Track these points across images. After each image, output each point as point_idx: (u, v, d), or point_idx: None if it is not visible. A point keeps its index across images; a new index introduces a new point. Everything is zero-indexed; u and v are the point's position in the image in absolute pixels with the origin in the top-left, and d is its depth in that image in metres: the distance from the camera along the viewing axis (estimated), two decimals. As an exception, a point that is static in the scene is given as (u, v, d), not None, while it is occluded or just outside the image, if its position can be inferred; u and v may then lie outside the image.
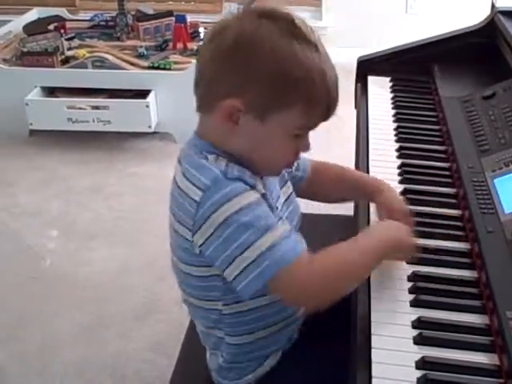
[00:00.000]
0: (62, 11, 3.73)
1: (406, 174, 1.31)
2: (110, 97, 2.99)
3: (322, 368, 1.06)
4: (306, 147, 0.98)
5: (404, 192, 1.25)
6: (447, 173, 1.32)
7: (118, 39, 3.36)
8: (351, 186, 1.21)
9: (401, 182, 1.29)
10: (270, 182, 1.03)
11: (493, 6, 1.76)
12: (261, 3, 0.93)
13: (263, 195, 0.94)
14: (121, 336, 1.94)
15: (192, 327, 1.28)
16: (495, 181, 1.19)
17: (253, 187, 0.91)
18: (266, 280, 0.87)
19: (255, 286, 0.88)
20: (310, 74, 0.89)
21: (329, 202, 1.34)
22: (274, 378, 1.07)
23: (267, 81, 0.88)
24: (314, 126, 0.95)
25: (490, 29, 1.72)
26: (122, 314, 2.03)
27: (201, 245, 0.91)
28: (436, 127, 1.49)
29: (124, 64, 3.09)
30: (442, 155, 1.37)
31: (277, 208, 1.02)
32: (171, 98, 2.99)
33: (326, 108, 0.93)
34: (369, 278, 0.99)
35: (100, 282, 2.18)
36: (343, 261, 0.93)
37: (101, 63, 3.09)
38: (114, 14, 3.43)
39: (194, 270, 0.98)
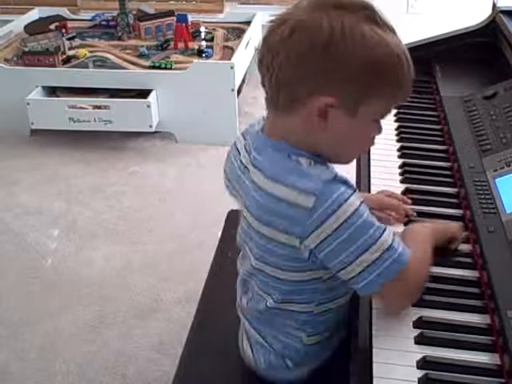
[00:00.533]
0: (63, 11, 3.74)
1: (408, 173, 1.31)
2: (111, 96, 3.00)
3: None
4: (380, 130, 0.97)
5: (405, 192, 1.25)
6: (448, 172, 1.32)
7: (120, 39, 3.36)
8: None
9: (402, 181, 1.30)
10: None
11: (494, 5, 1.76)
12: None
13: None
14: (122, 335, 1.95)
15: (196, 327, 1.28)
16: (497, 181, 1.19)
17: (355, 190, 0.92)
18: (388, 279, 0.88)
19: (377, 284, 0.89)
20: (398, 59, 0.89)
21: None
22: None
23: (360, 72, 0.87)
24: (394, 107, 0.98)
25: (491, 28, 1.71)
26: (124, 314, 2.03)
27: (313, 248, 0.89)
28: (437, 127, 1.49)
29: (125, 64, 3.09)
30: (444, 155, 1.37)
31: None
32: (172, 98, 2.99)
33: (408, 88, 0.94)
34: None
35: (101, 281, 2.19)
36: (426, 260, 0.98)
37: (102, 63, 3.10)
38: (115, 13, 3.44)
39: (292, 275, 0.97)
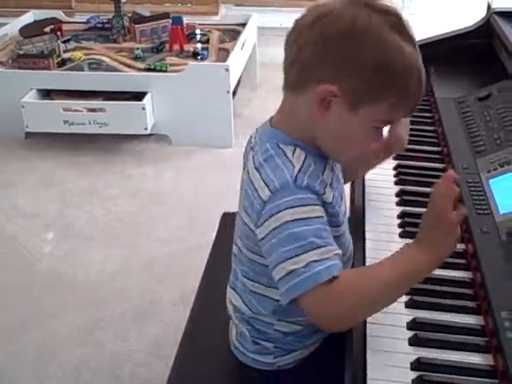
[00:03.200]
0: (58, 13, 3.73)
1: (402, 175, 1.32)
2: (107, 99, 2.99)
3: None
4: (380, 141, 0.99)
5: (400, 193, 1.25)
6: (443, 174, 1.32)
7: (115, 41, 3.36)
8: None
9: (396, 183, 1.30)
10: (337, 176, 1.04)
11: (489, 6, 1.76)
12: None
13: (329, 204, 0.95)
14: (118, 338, 1.94)
15: (189, 329, 1.28)
16: (490, 181, 1.19)
17: (320, 195, 0.92)
18: (300, 292, 0.87)
19: (291, 294, 0.88)
20: (410, 70, 0.90)
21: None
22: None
23: (371, 70, 0.88)
24: (396, 120, 0.98)
25: (485, 30, 1.72)
26: (120, 316, 2.03)
27: (260, 239, 0.93)
28: (431, 128, 1.49)
29: (120, 66, 3.09)
30: (438, 156, 1.38)
31: (338, 214, 1.00)
32: (167, 100, 2.99)
33: (413, 104, 0.95)
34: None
35: (97, 284, 2.18)
36: (363, 289, 0.89)
37: (97, 65, 3.10)
38: (110, 16, 3.43)
39: (257, 258, 1.01)
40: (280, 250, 0.88)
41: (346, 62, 0.88)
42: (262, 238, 0.92)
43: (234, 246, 1.11)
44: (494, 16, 1.70)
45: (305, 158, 0.94)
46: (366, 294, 0.88)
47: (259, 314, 1.08)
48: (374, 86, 0.89)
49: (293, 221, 0.88)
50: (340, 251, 0.90)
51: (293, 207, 0.89)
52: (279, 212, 0.89)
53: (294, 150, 0.94)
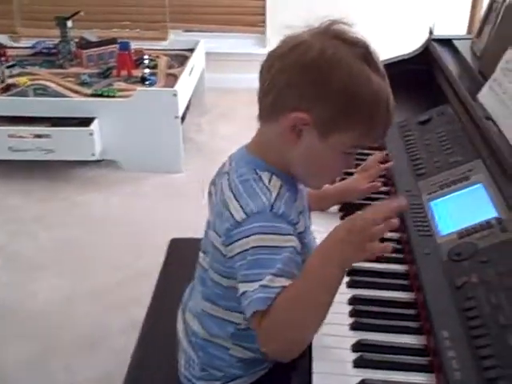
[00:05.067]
0: (3, 38, 3.68)
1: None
2: (53, 125, 2.94)
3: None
4: (352, 165, 1.03)
5: (343, 216, 1.27)
6: (386, 197, 1.35)
7: (61, 66, 3.33)
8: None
9: (341, 208, 1.32)
10: (305, 204, 1.07)
11: (431, 32, 1.82)
12: (336, 26, 0.96)
13: (301, 233, 0.98)
14: (67, 368, 1.90)
15: (136, 358, 1.26)
16: (431, 203, 1.22)
17: (294, 224, 0.95)
18: (249, 314, 0.90)
19: (246, 314, 0.91)
20: (378, 100, 0.94)
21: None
22: None
23: (339, 99, 0.91)
24: (365, 147, 1.02)
25: (425, 56, 1.78)
26: (68, 346, 1.99)
27: (228, 258, 0.95)
28: (375, 152, 1.52)
29: (67, 92, 3.06)
30: (381, 179, 1.40)
31: (308, 242, 1.04)
32: (116, 126, 2.97)
33: (382, 132, 0.99)
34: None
35: (45, 313, 2.13)
36: (296, 311, 0.89)
37: (43, 91, 3.06)
38: (56, 41, 3.40)
39: (223, 280, 1.02)
40: (242, 272, 0.91)
41: (315, 91, 0.92)
42: (230, 257, 0.94)
43: (199, 267, 1.11)
44: (432, 43, 1.76)
45: (281, 186, 0.96)
46: (292, 320, 0.88)
47: (217, 337, 1.08)
48: (343, 114, 0.92)
49: (263, 247, 0.90)
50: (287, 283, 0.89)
51: (265, 233, 0.91)
52: (251, 235, 0.91)
53: (271, 177, 0.97)
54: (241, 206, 0.93)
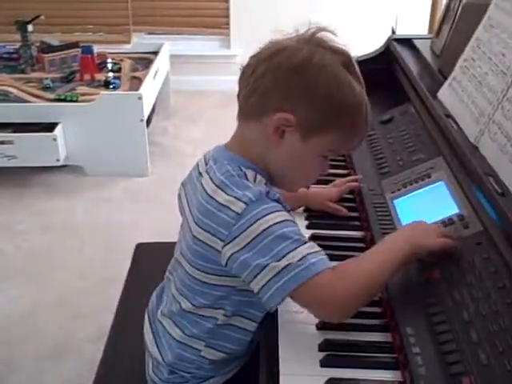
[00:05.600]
0: (-38, 44, 3.61)
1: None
2: (16, 131, 2.90)
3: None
4: (326, 169, 1.05)
5: (308, 217, 1.28)
6: (350, 196, 1.36)
7: (23, 71, 3.28)
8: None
9: (305, 209, 1.32)
10: None
11: (393, 32, 1.84)
12: (320, 34, 0.99)
13: None
14: (33, 380, 1.87)
15: (103, 364, 1.25)
16: (394, 202, 1.23)
17: (288, 211, 0.97)
18: (291, 289, 0.90)
19: (282, 292, 0.90)
20: (359, 106, 0.98)
21: None
22: None
23: (324, 104, 0.95)
24: (343, 151, 1.05)
25: (386, 56, 1.79)
26: (33, 357, 1.95)
27: (231, 255, 0.94)
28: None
29: (29, 97, 3.01)
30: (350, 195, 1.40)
31: None
32: (80, 130, 2.94)
33: (360, 138, 1.03)
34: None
35: (9, 324, 2.09)
36: (365, 272, 0.95)
37: (4, 97, 3.01)
38: (17, 45, 3.35)
39: (209, 277, 1.01)
40: (269, 254, 0.90)
41: (301, 94, 0.94)
42: (237, 251, 0.92)
43: (175, 267, 1.10)
44: (393, 43, 1.78)
45: (265, 183, 0.99)
46: (358, 278, 0.93)
47: (191, 338, 1.07)
48: (327, 118, 0.95)
49: (275, 224, 0.91)
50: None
51: (271, 213, 0.92)
52: (260, 219, 0.91)
53: (255, 175, 0.98)
54: (236, 198, 0.93)
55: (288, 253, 0.90)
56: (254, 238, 0.91)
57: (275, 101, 0.95)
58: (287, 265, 0.89)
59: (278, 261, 0.90)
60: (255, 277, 0.91)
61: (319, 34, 0.99)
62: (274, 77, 0.95)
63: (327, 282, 0.91)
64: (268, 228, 0.91)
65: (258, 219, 0.91)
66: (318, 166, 1.02)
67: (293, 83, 0.94)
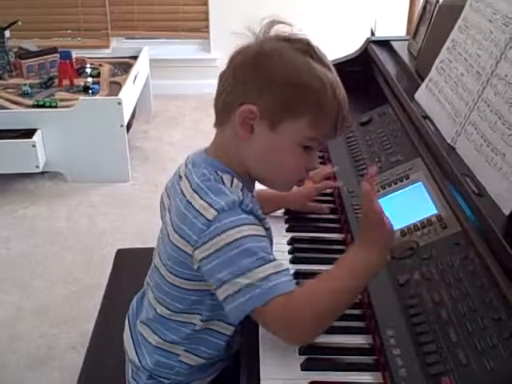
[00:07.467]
0: None
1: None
2: (-6, 138, 2.87)
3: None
4: (314, 164, 1.04)
5: (288, 220, 1.28)
6: (330, 198, 1.36)
7: (0, 78, 3.25)
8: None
9: (286, 212, 1.32)
10: None
11: (372, 33, 1.84)
12: (275, 27, 1.01)
13: (267, 230, 1.00)
14: (14, 389, 1.85)
15: (85, 372, 1.24)
16: (374, 203, 1.23)
17: (262, 220, 0.97)
18: (254, 307, 0.88)
19: (242, 311, 0.89)
20: (323, 86, 0.95)
21: None
22: None
23: (282, 88, 0.94)
24: (322, 139, 1.00)
25: (364, 57, 1.80)
26: (14, 366, 1.93)
27: (200, 260, 0.93)
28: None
29: (7, 103, 2.98)
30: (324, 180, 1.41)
31: (272, 239, 1.05)
32: (59, 136, 2.91)
33: (334, 122, 0.98)
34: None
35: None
36: (331, 293, 0.91)
37: (-18, 103, 2.98)
38: (-6, 51, 3.32)
39: (184, 282, 1.00)
40: (233, 267, 0.89)
41: (259, 83, 0.95)
42: (207, 256, 0.92)
43: (153, 273, 1.09)
44: (371, 45, 1.79)
45: (242, 187, 0.98)
46: (322, 302, 0.90)
47: (169, 343, 1.06)
48: (288, 101, 0.95)
49: (243, 237, 0.90)
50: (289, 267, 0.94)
51: (242, 225, 0.91)
52: (230, 230, 0.90)
53: (232, 179, 0.98)
54: (209, 204, 0.92)
55: (251, 270, 0.88)
56: (221, 248, 0.90)
57: (238, 96, 0.96)
58: (248, 284, 0.88)
59: (239, 276, 0.89)
60: (220, 286, 0.91)
61: (274, 27, 1.00)
62: (234, 75, 0.97)
63: (286, 305, 0.88)
64: (235, 241, 0.90)
65: (227, 229, 0.90)
66: (298, 158, 0.99)
67: (250, 76, 0.96)
